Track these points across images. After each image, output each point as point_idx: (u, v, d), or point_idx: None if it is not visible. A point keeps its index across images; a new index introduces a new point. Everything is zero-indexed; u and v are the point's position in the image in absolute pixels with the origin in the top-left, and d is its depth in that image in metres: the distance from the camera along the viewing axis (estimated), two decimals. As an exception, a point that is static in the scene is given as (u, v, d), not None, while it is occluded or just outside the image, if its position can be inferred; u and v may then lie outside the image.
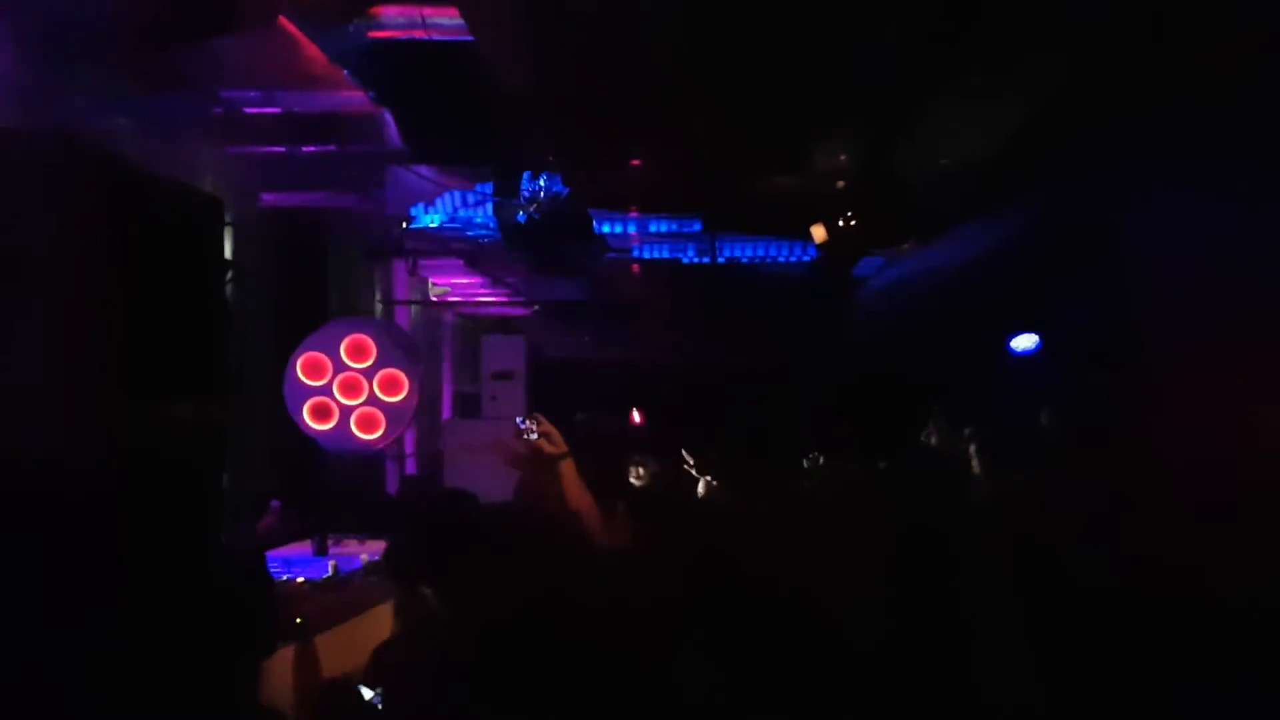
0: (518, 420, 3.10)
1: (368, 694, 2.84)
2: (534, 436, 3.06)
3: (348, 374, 5.55)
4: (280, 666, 3.44)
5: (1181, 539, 3.81)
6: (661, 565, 2.81)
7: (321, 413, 5.52)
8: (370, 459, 6.79)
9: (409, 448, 8.26)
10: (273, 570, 4.32)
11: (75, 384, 2.20)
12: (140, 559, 2.31)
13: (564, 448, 3.07)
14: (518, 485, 3.56)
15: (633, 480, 5.48)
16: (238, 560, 3.07)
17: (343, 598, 4.24)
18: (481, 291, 10.57)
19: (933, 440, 5.36)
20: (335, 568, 4.44)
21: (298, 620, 3.69)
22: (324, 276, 7.08)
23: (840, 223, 6.53)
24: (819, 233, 6.70)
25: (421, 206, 7.11)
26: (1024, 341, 5.23)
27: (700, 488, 5.25)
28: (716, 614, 2.71)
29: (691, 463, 5.40)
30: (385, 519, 5.51)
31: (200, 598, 2.50)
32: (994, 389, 5.53)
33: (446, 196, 6.96)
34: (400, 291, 9.03)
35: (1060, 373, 5.10)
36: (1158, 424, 4.16)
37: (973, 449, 5.19)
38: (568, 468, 3.03)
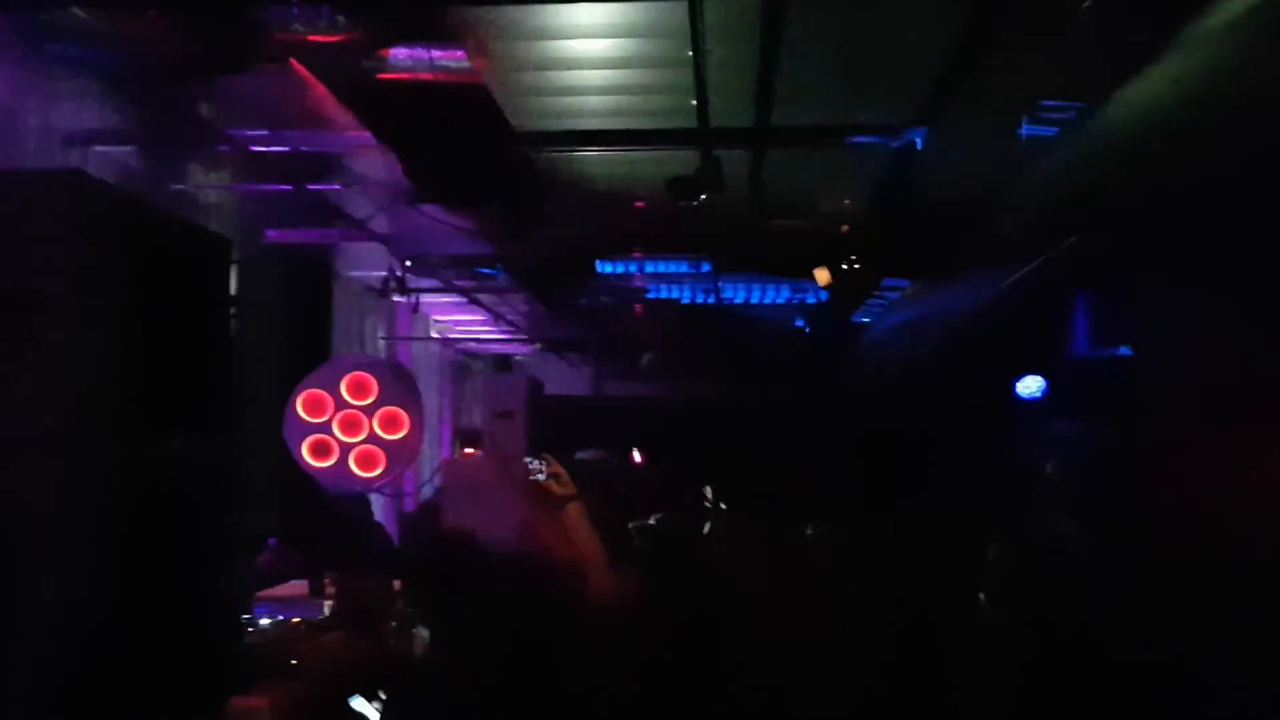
0: (527, 460, 3.06)
1: (364, 706, 2.79)
2: (542, 477, 3.02)
3: (348, 411, 5.53)
4: (275, 707, 3.40)
5: (1189, 588, 3.79)
6: (664, 613, 2.78)
7: (321, 450, 5.50)
8: (368, 497, 6.75)
9: (408, 487, 8.22)
10: (258, 610, 4.29)
11: (83, 417, 2.19)
12: (144, 591, 2.29)
13: (574, 489, 3.04)
14: (522, 526, 3.52)
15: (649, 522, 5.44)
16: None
17: (339, 639, 4.19)
18: (483, 329, 10.58)
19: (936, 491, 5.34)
20: (331, 609, 4.39)
21: (292, 661, 3.65)
22: (327, 313, 7.09)
23: (845, 266, 6.55)
24: (823, 276, 6.71)
25: (425, 245, 7.13)
26: (1029, 385, 5.20)
27: (706, 532, 5.22)
28: (714, 660, 2.68)
29: (710, 503, 5.37)
30: (385, 559, 5.47)
31: (194, 631, 2.48)
32: (999, 436, 5.50)
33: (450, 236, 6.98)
34: (402, 328, 9.04)
35: (1066, 419, 5.08)
36: (1165, 472, 4.14)
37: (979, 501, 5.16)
38: (575, 510, 3.00)
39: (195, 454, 2.50)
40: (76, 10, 3.47)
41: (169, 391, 2.44)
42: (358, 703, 2.77)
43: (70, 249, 2.21)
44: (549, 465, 3.03)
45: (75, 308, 2.20)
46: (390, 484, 6.03)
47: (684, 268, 8.24)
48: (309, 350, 6.21)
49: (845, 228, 6.45)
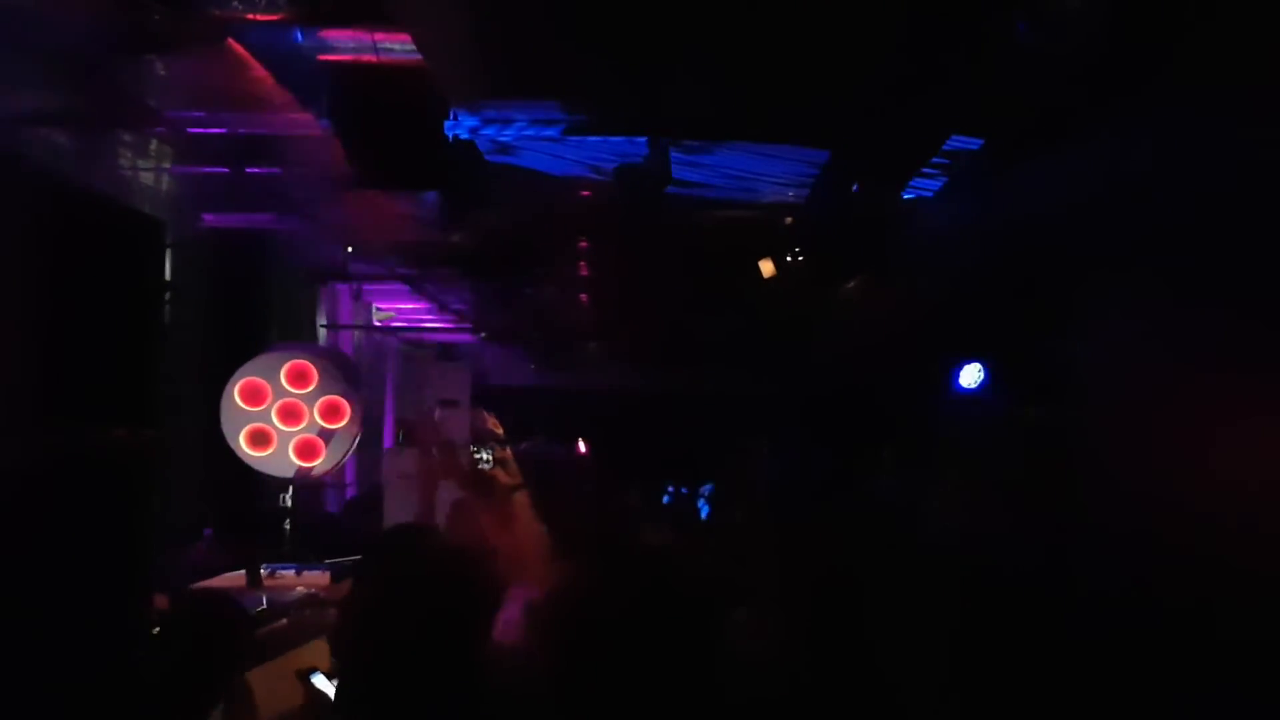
0: (473, 449, 3.02)
1: (323, 683, 2.75)
2: (488, 466, 2.98)
3: (288, 400, 5.44)
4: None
5: (1124, 569, 3.87)
6: (610, 600, 2.76)
7: (259, 439, 5.40)
8: (308, 487, 6.65)
9: (349, 475, 8.12)
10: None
11: (4, 403, 2.12)
12: (66, 585, 2.23)
13: (519, 478, 3.00)
14: (455, 512, 3.47)
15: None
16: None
17: (277, 631, 4.13)
18: (426, 317, 10.48)
19: (878, 478, 5.40)
20: (268, 600, 4.33)
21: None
22: (266, 300, 6.97)
23: (789, 258, 6.59)
24: (767, 268, 6.75)
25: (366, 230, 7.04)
26: (970, 375, 5.28)
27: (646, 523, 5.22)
28: (663, 651, 2.67)
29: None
30: (328, 545, 5.40)
31: (127, 625, 2.42)
32: (940, 424, 5.57)
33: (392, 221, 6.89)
34: (344, 316, 8.93)
35: (1005, 407, 5.16)
36: (1100, 458, 4.22)
37: (917, 485, 5.22)
38: (522, 499, 2.96)
39: (120, 443, 2.43)
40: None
41: (95, 379, 2.37)
42: (318, 679, 2.73)
43: (-8, 229, 2.14)
44: (495, 452, 2.99)
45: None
46: (330, 473, 5.95)
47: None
48: (246, 337, 6.09)
49: (789, 219, 6.48)
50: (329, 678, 2.77)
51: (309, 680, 2.73)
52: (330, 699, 2.72)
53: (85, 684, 2.21)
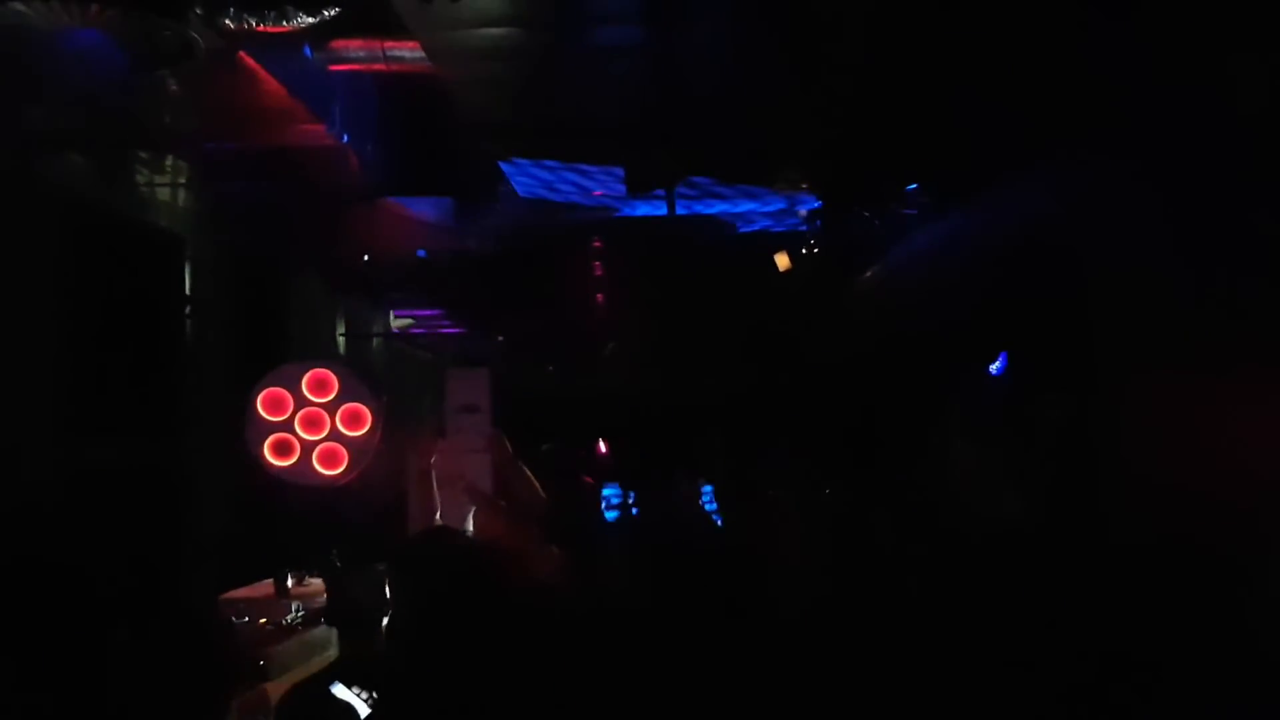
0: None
1: (344, 693, 2.74)
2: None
3: (309, 409, 5.45)
4: (244, 709, 3.38)
5: (1147, 565, 3.85)
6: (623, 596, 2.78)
7: (282, 449, 5.42)
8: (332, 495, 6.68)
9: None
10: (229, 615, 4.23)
11: (27, 418, 2.15)
12: (93, 595, 2.25)
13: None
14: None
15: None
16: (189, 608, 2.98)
17: (305, 639, 4.16)
18: (444, 323, 10.51)
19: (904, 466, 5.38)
20: (297, 609, 4.36)
21: (260, 662, 3.63)
22: (285, 310, 7.01)
23: (804, 251, 6.58)
24: (783, 261, 6.74)
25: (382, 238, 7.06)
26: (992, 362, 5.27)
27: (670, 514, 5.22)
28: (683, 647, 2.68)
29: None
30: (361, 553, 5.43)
31: (154, 636, 2.44)
32: (962, 412, 5.54)
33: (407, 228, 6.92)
34: (363, 324, 8.97)
35: (1025, 395, 5.13)
36: (1121, 448, 4.20)
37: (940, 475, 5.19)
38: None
39: (140, 457, 2.46)
40: (17, 4, 3.40)
41: (116, 389, 2.40)
42: (338, 689, 2.73)
43: (14, 248, 2.17)
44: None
45: (18, 306, 2.16)
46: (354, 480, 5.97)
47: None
48: (267, 348, 6.13)
49: (803, 214, 6.48)
50: (347, 685, 2.76)
51: (329, 690, 2.73)
52: (351, 706, 2.72)
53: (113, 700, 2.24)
